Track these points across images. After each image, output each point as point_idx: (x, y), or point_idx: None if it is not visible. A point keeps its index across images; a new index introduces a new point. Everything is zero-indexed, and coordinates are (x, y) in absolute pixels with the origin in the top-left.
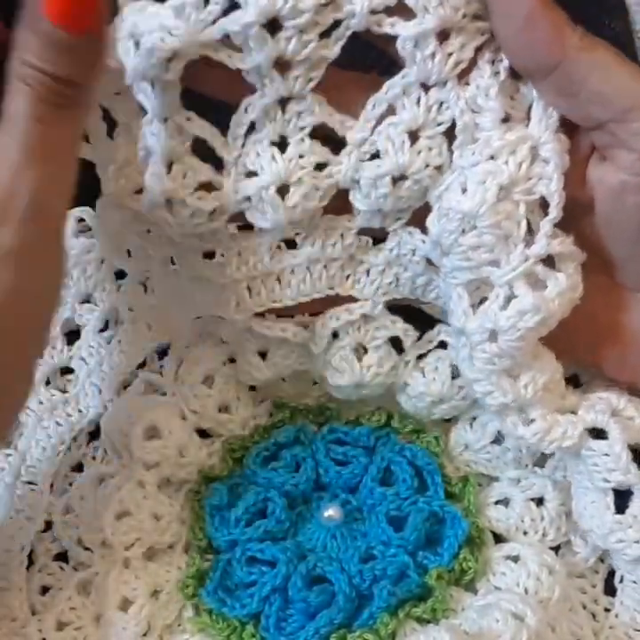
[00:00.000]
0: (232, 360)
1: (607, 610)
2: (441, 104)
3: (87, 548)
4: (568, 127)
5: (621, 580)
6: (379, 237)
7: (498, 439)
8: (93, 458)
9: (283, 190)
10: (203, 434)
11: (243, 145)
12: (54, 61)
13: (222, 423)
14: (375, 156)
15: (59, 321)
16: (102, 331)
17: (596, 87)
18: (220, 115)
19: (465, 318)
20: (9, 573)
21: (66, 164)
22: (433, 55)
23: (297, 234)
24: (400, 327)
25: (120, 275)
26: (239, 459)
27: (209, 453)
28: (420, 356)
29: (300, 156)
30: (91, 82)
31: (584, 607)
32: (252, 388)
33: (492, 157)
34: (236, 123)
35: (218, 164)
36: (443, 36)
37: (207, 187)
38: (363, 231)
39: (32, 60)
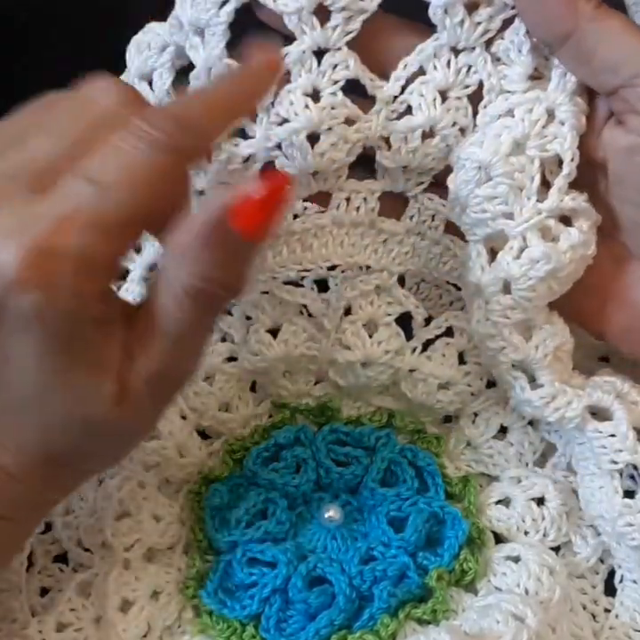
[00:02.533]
0: (232, 358)
1: (607, 610)
2: (469, 68)
3: (87, 550)
4: (588, 93)
5: (621, 580)
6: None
7: (501, 434)
8: None
9: (313, 139)
10: (202, 435)
11: (276, 93)
12: (231, 271)
13: (223, 422)
14: (403, 115)
15: None
16: None
17: (606, 55)
18: None
19: (481, 272)
20: (9, 575)
21: None
22: (462, 22)
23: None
24: (412, 302)
25: None
26: (239, 459)
27: (209, 454)
28: (427, 344)
29: (332, 108)
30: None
31: (584, 608)
32: (253, 388)
33: (509, 113)
34: None
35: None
36: (472, 6)
37: (243, 134)
38: (385, 196)
39: (212, 274)
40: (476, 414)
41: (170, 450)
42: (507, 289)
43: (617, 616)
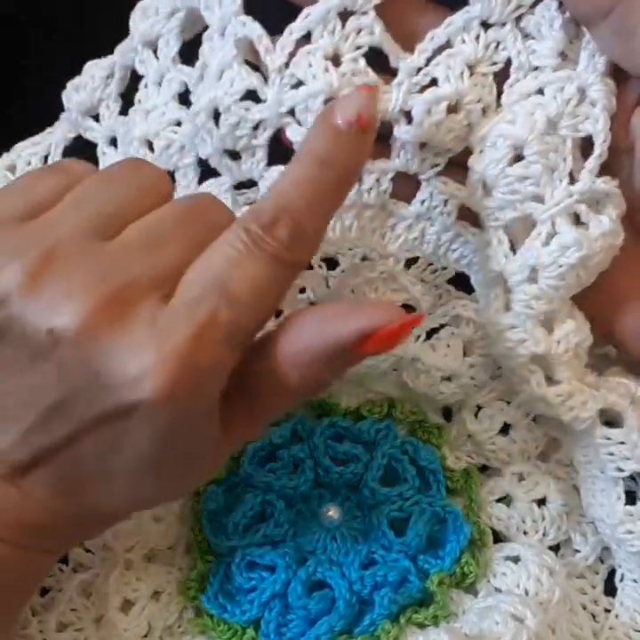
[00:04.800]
0: None
1: (607, 610)
2: (498, 44)
3: (88, 550)
4: (618, 76)
5: (622, 579)
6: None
7: (505, 430)
8: None
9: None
10: None
11: (291, 53)
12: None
13: None
14: (426, 88)
15: None
16: None
17: None
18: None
19: (505, 260)
20: None
21: None
22: None
23: None
24: (417, 289)
25: None
26: (236, 458)
27: None
28: (431, 332)
29: (353, 75)
30: None
31: (584, 608)
32: None
33: (540, 91)
34: (290, 30)
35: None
36: None
37: (255, 98)
38: (397, 177)
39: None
40: (478, 407)
41: None
42: (533, 278)
43: (617, 616)
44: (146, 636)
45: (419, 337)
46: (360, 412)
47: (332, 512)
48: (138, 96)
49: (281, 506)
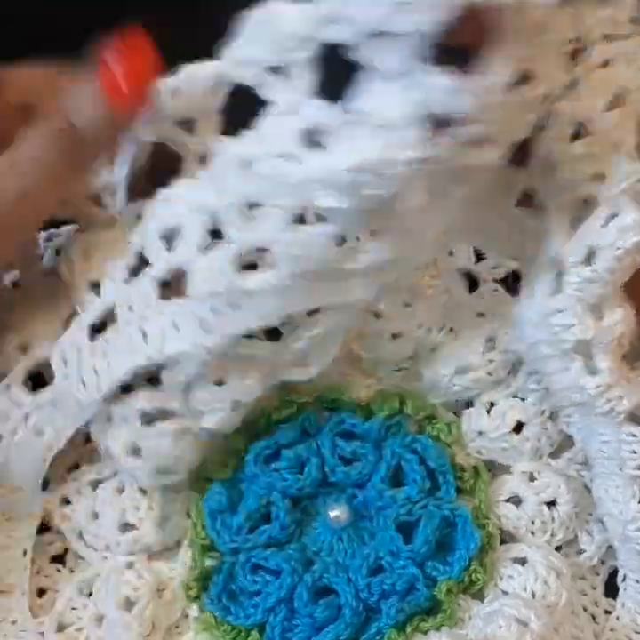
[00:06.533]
0: None
1: (608, 612)
2: None
3: (89, 546)
4: None
5: (624, 580)
6: None
7: (517, 428)
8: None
9: None
10: None
11: None
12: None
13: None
14: None
15: None
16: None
17: None
18: None
19: (561, 241)
20: (10, 577)
21: None
22: None
23: None
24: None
25: None
26: (241, 457)
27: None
28: None
29: None
30: None
31: (585, 609)
32: None
33: (607, 64)
34: None
35: None
36: None
37: None
38: None
39: None
40: (491, 404)
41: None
42: (589, 259)
43: (618, 618)
44: (148, 635)
45: (443, 327)
46: (370, 407)
47: (339, 512)
48: None
49: (286, 506)
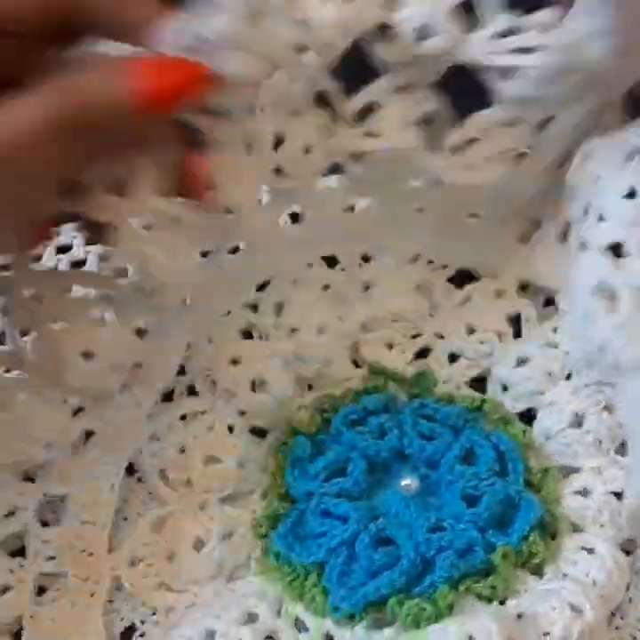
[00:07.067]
0: None
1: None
2: None
3: (167, 486)
4: None
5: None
6: None
7: (577, 423)
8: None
9: None
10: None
11: None
12: None
13: (322, 376)
14: None
15: None
16: None
17: None
18: None
19: None
20: (96, 509)
21: None
22: None
23: None
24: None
25: None
26: (327, 419)
27: (300, 407)
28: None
29: None
30: None
31: None
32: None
33: None
34: None
35: None
36: None
37: None
38: None
39: None
40: (552, 403)
41: (270, 401)
42: None
43: (622, 617)
44: (215, 575)
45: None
46: (453, 399)
47: (410, 482)
48: None
49: (362, 465)
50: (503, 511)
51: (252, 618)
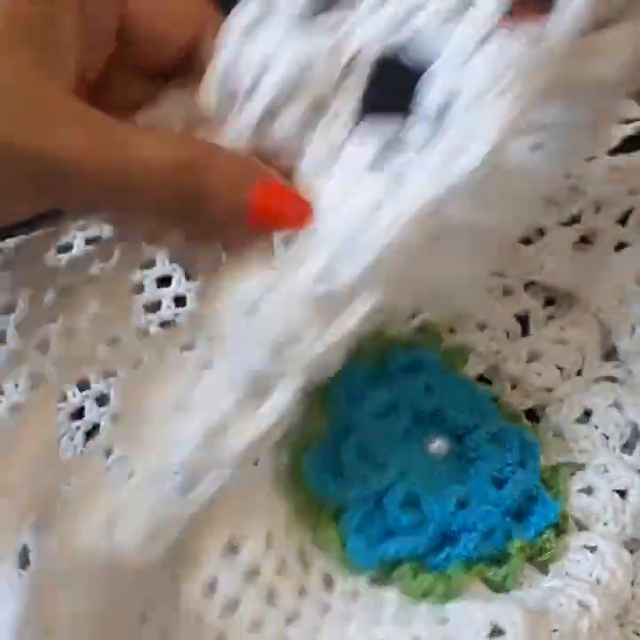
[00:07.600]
0: None
1: None
2: None
3: None
4: None
5: None
6: None
7: (585, 418)
8: None
9: None
10: None
11: None
12: None
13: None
14: None
15: None
16: None
17: None
18: None
19: None
20: None
21: None
22: None
23: None
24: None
25: None
26: (380, 356)
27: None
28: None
29: None
30: None
31: None
32: None
33: None
34: None
35: None
36: None
37: None
38: None
39: None
40: (560, 400)
41: None
42: None
43: None
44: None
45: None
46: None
47: (439, 444)
48: None
49: (409, 415)
50: (522, 502)
51: None
